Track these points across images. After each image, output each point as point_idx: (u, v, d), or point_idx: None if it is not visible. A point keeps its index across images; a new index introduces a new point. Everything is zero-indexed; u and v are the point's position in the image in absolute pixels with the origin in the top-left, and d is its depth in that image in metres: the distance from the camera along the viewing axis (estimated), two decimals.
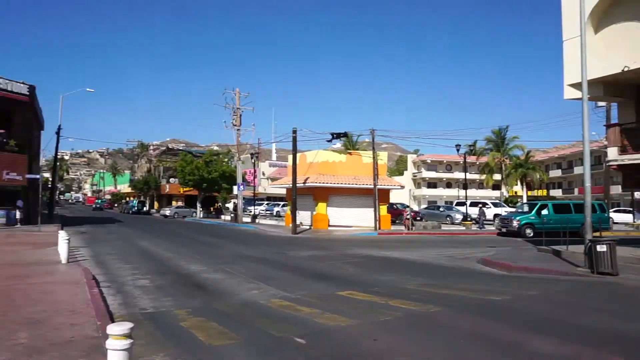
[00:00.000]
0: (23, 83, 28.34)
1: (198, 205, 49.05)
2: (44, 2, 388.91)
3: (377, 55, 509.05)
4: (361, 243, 22.11)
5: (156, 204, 66.18)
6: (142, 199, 66.95)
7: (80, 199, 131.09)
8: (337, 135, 31.21)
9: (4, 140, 26.51)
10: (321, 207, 30.86)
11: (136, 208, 59.91)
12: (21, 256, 14.03)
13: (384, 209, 31.79)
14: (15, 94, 27.76)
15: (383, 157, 33.10)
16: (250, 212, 40.33)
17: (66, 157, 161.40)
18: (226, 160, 50.64)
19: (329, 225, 30.59)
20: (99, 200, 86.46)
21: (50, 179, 43.47)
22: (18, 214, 27.25)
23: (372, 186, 30.05)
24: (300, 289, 10.07)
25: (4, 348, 5.37)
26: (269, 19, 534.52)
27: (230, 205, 50.46)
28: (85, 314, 6.97)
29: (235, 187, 40.10)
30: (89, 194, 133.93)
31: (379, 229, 29.38)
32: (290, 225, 27.55)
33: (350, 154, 33.57)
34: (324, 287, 10.47)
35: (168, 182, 65.91)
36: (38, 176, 28.49)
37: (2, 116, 26.77)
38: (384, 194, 31.80)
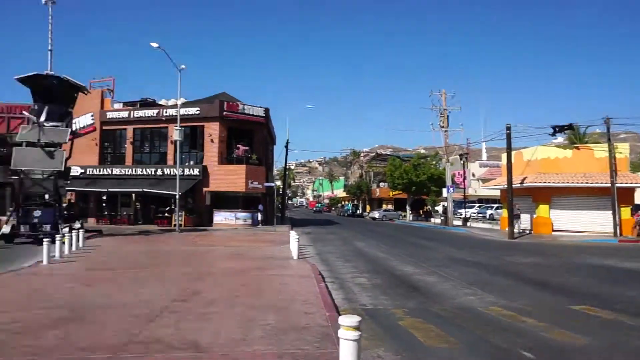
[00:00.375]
0: (260, 107, 33.83)
1: (407, 208, 49.93)
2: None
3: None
4: (595, 251, 19.00)
5: (368, 207, 70.20)
6: (355, 202, 71.93)
7: (304, 204, 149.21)
8: (559, 129, 27.60)
9: (248, 155, 32.09)
10: (543, 209, 27.72)
11: (350, 211, 64.72)
12: (263, 251, 16.75)
13: (626, 212, 26.60)
14: (255, 116, 33.37)
15: (623, 149, 27.73)
16: (461, 215, 39.02)
17: (292, 167, 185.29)
18: (434, 162, 50.22)
19: (553, 230, 27.22)
20: (319, 204, 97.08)
21: (281, 186, 50.63)
22: (259, 216, 32.55)
23: (609, 184, 25.50)
24: (522, 297, 9.27)
25: (258, 327, 6.49)
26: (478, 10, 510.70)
27: (439, 208, 49.81)
28: (315, 305, 7.88)
29: (444, 190, 39.42)
30: (311, 199, 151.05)
31: (620, 235, 24.74)
32: (507, 229, 25.58)
33: (577, 148, 29.22)
34: (550, 297, 9.40)
35: (378, 186, 69.01)
36: (273, 184, 33.46)
37: (245, 135, 32.48)
38: (625, 194, 26.61)
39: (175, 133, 27.17)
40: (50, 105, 22.52)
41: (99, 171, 34.43)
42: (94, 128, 35.52)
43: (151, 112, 33.92)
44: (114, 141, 35.84)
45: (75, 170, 34.98)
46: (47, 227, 20.74)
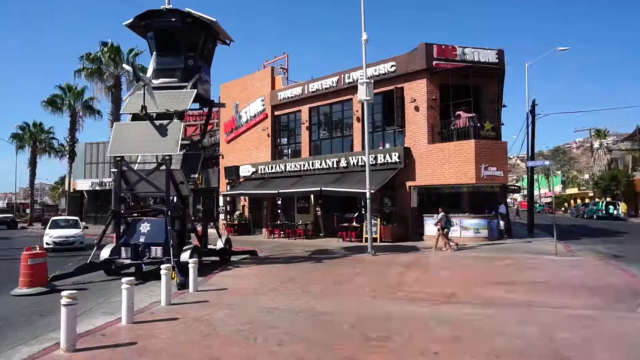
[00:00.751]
0: (490, 49, 21.05)
1: None
2: None
3: None
4: None
5: (623, 205, 49.29)
6: (609, 199, 51.34)
7: (511, 204, 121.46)
8: None
9: (477, 124, 19.61)
10: None
11: (603, 211, 45.46)
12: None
13: None
14: (483, 64, 20.76)
15: None
16: None
17: None
18: None
19: None
20: (539, 205, 75.67)
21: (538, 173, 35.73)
22: (501, 224, 19.67)
23: None
24: None
25: None
26: None
27: None
28: None
29: None
30: (518, 198, 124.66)
31: None
32: None
33: None
34: None
35: None
36: (544, 163, 19.83)
37: (466, 94, 20.09)
38: None
39: (360, 90, 16.60)
40: (167, 58, 14.42)
41: (271, 168, 26.56)
42: (266, 115, 28.01)
43: (329, 82, 24.46)
44: (287, 129, 27.69)
45: (247, 170, 27.98)
46: (157, 251, 12.27)
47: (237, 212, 29.11)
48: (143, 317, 7.80)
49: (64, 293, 6.09)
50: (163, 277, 8.82)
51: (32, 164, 50.37)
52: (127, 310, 7.40)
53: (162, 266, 8.90)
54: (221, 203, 30.50)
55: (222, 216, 30.25)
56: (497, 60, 20.92)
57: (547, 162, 19.69)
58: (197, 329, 6.99)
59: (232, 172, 28.93)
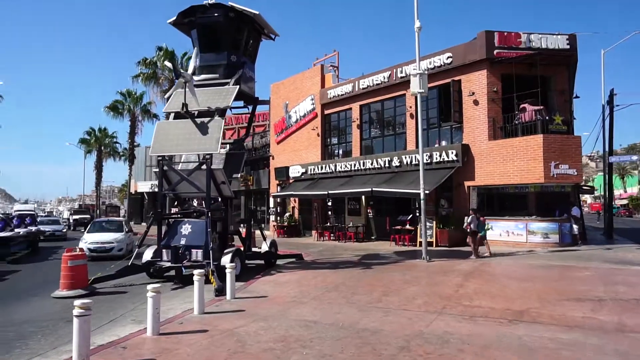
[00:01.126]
0: (560, 34, 19.03)
1: None
2: None
3: None
4: None
5: None
6: None
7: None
8: None
9: (545, 117, 17.71)
10: None
11: None
12: None
13: None
14: (552, 51, 18.80)
15: None
16: None
17: None
18: None
19: None
20: (616, 207, 69.38)
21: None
22: (575, 228, 17.62)
23: None
24: None
25: None
26: None
27: None
28: None
29: None
30: (589, 200, 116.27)
31: None
32: None
33: None
34: None
35: None
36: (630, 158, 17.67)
37: (532, 84, 18.21)
38: None
39: (413, 82, 15.35)
40: (210, 54, 13.98)
41: (321, 168, 25.77)
42: (315, 114, 27.30)
43: (381, 77, 23.29)
44: (338, 128, 26.79)
45: (296, 171, 27.40)
46: (198, 254, 11.78)
47: (287, 214, 28.58)
48: (171, 328, 7.17)
49: (76, 303, 5.52)
50: (196, 283, 8.20)
51: (98, 167, 53.02)
52: (152, 321, 6.79)
53: (195, 271, 8.28)
54: (271, 204, 30.14)
55: (272, 218, 29.88)
56: (568, 47, 18.84)
57: (634, 157, 17.44)
58: (223, 345, 6.22)
59: (282, 173, 28.47)
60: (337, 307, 8.43)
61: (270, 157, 30.63)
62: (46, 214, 60.81)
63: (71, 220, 40.91)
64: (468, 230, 15.36)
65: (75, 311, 5.43)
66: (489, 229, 16.49)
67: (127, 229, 19.14)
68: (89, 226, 19.58)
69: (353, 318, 7.55)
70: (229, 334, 6.77)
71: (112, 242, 17.09)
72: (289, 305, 8.68)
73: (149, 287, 6.97)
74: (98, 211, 54.30)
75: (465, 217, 15.64)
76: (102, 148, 52.39)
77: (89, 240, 17.02)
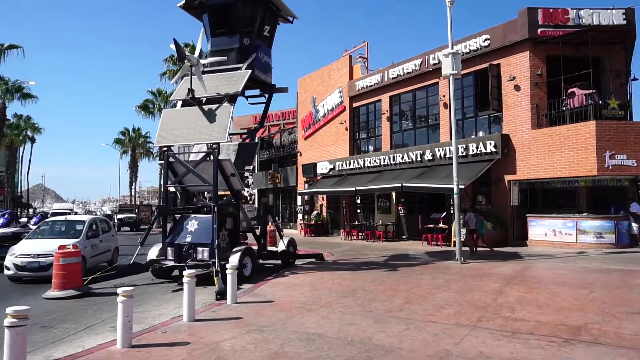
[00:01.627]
0: (615, 9, 16.92)
1: None
2: None
3: None
4: None
5: None
6: None
7: None
8: None
9: (598, 102, 15.68)
10: None
11: None
12: None
13: None
14: (605, 28, 16.74)
15: None
16: None
17: None
18: None
19: None
20: None
21: None
22: (635, 227, 15.50)
23: None
24: None
25: None
26: None
27: None
28: None
29: None
30: None
31: None
32: None
33: None
34: None
35: None
36: None
37: (582, 66, 16.19)
38: None
39: (445, 64, 13.77)
40: (221, 38, 12.96)
41: (349, 164, 24.41)
42: (343, 107, 25.99)
43: (412, 65, 21.70)
44: (367, 120, 25.35)
45: (324, 167, 26.16)
46: (204, 253, 10.75)
47: (315, 212, 27.40)
48: (149, 338, 6.10)
49: (8, 310, 4.48)
50: (185, 286, 7.13)
51: (132, 167, 53.67)
52: (122, 331, 5.74)
53: (185, 272, 7.21)
54: (299, 202, 29.05)
55: (299, 216, 28.78)
56: (625, 22, 16.70)
57: None
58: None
59: (309, 169, 27.32)
60: (349, 316, 7.14)
61: (298, 154, 29.56)
62: (85, 212, 62.15)
63: (115, 220, 35.34)
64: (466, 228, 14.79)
65: (7, 321, 4.39)
66: (488, 228, 15.97)
67: (105, 230, 13.76)
68: (32, 230, 13.99)
69: (366, 331, 6.24)
70: (210, 349, 5.61)
71: (51, 256, 10.33)
72: (294, 312, 7.46)
73: (119, 290, 5.94)
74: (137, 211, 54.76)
75: (462, 215, 14.35)
76: (136, 148, 52.98)
77: (18, 251, 11.18)
